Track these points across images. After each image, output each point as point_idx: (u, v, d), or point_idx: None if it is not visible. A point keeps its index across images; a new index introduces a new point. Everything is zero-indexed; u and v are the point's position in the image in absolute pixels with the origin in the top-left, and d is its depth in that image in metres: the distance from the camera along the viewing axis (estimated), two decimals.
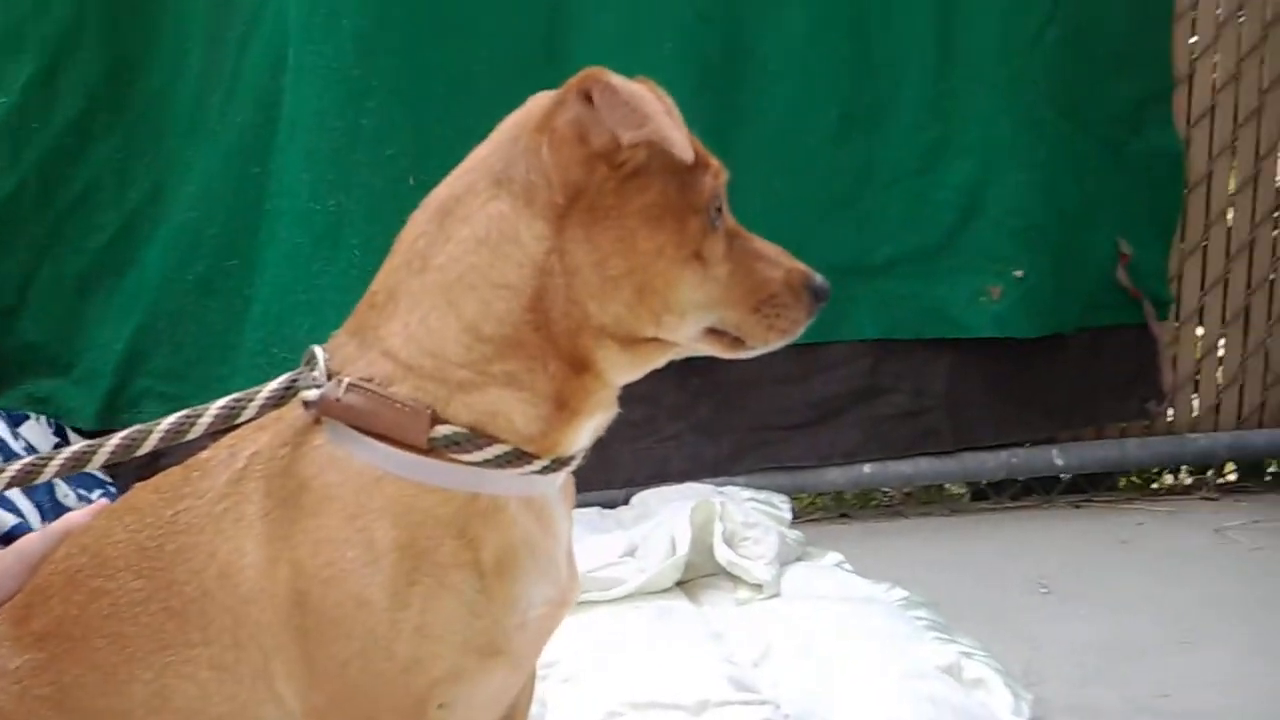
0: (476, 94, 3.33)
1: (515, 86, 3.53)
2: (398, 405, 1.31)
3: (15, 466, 1.48)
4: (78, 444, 1.48)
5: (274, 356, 3.19)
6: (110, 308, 3.27)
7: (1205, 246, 4.06)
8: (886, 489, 3.95)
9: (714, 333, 1.37)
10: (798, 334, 1.40)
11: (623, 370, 1.36)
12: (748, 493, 3.22)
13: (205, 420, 1.43)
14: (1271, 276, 4.12)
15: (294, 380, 1.39)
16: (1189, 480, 4.15)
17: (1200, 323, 4.09)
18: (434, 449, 1.30)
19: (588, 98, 1.30)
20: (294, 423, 1.38)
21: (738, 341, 1.38)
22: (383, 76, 3.19)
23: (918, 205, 3.68)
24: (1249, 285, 4.10)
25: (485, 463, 1.31)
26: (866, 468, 3.72)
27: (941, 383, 3.75)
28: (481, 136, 3.64)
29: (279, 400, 1.41)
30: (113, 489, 2.87)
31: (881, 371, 3.71)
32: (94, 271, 3.28)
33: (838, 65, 3.63)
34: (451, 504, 1.31)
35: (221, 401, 1.44)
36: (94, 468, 1.48)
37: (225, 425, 1.44)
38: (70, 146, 3.25)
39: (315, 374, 1.35)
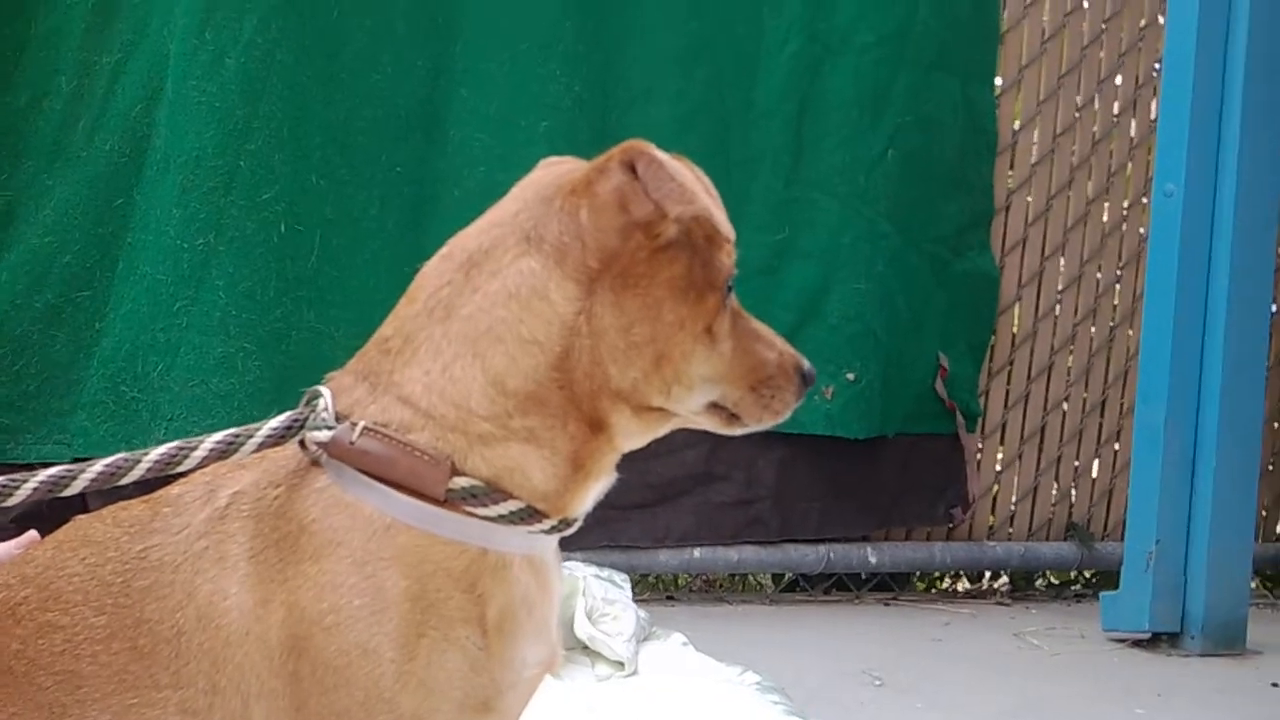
0: (354, 150, 3.33)
1: (392, 149, 3.58)
2: (417, 453, 1.30)
3: None
4: (53, 469, 1.41)
5: (122, 395, 3.07)
6: None
7: (1011, 367, 4.36)
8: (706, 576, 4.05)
9: (714, 407, 1.40)
10: (787, 416, 1.45)
11: (632, 436, 1.38)
12: (591, 569, 3.25)
13: (200, 454, 1.38)
14: (1065, 400, 4.45)
15: (295, 420, 1.36)
16: (962, 585, 4.40)
17: (1001, 438, 4.37)
18: (448, 500, 1.30)
19: (631, 168, 1.33)
20: (285, 464, 1.35)
21: (734, 418, 1.41)
22: (265, 120, 3.15)
23: (761, 304, 3.75)
24: (1046, 406, 4.42)
25: (500, 518, 1.31)
26: (696, 552, 3.81)
27: (772, 474, 3.90)
28: (356, 192, 3.61)
29: (280, 439, 1.36)
30: None
31: (716, 459, 3.83)
32: None
33: (698, 161, 3.75)
34: (464, 558, 1.30)
35: (218, 436, 1.39)
36: (72, 493, 1.41)
37: (219, 460, 1.39)
38: None
39: (324, 415, 1.33)
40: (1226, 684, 3.32)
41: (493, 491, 1.30)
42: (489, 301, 1.33)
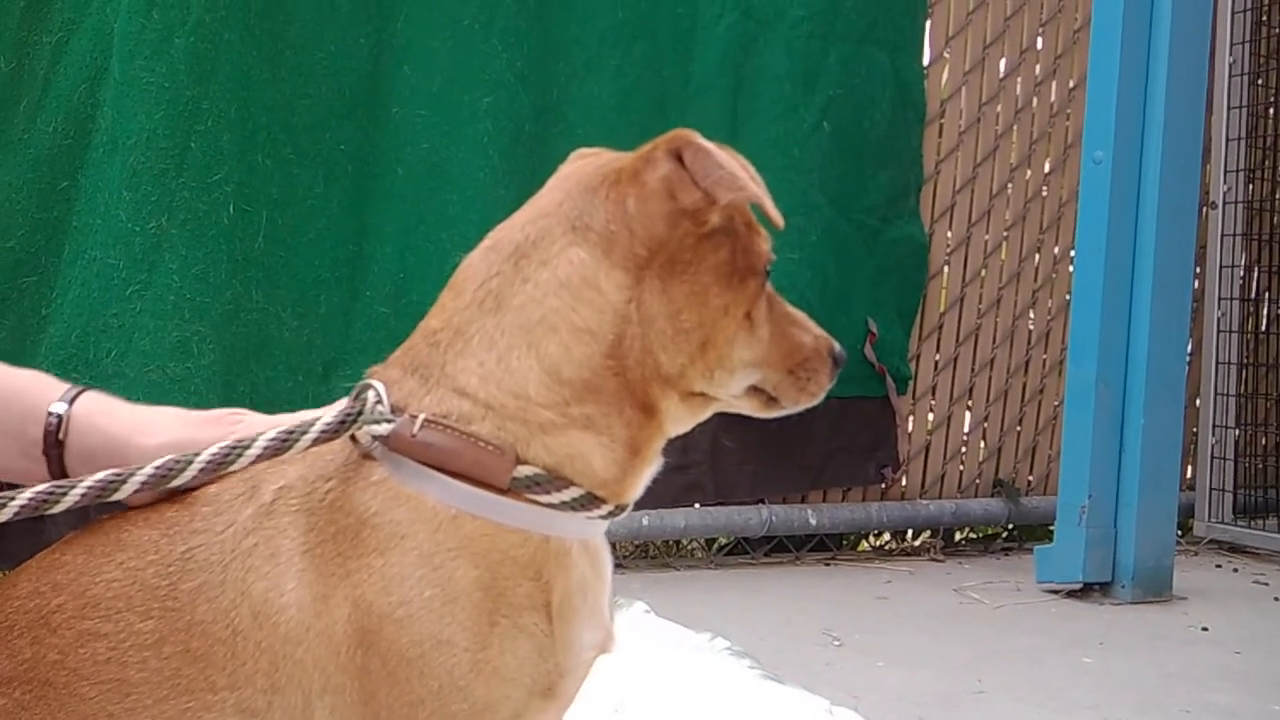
0: (299, 129, 3.30)
1: (335, 127, 3.54)
2: (481, 444, 1.31)
3: (27, 495, 1.38)
4: (101, 473, 1.39)
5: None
6: None
7: (940, 330, 4.48)
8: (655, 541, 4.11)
9: (754, 391, 1.44)
10: (821, 397, 1.51)
11: (679, 421, 1.41)
12: None
13: (253, 452, 1.35)
14: (992, 362, 4.58)
15: (348, 414, 1.35)
16: (882, 541, 4.52)
17: (932, 400, 4.49)
18: (512, 489, 1.32)
19: (678, 157, 1.35)
20: (333, 457, 1.34)
21: (773, 401, 1.45)
22: (214, 100, 3.10)
23: None
24: (973, 368, 4.55)
25: (562, 505, 1.33)
26: (645, 520, 3.87)
27: (707, 439, 3.97)
28: (301, 171, 3.57)
29: (333, 434, 1.35)
30: None
31: None
32: None
33: (638, 135, 3.78)
34: (529, 545, 1.32)
35: (270, 434, 1.37)
36: (122, 497, 1.39)
37: (274, 457, 1.37)
38: None
39: (379, 408, 1.33)
40: (1161, 630, 3.48)
41: (555, 479, 1.32)
42: (541, 291, 1.34)
